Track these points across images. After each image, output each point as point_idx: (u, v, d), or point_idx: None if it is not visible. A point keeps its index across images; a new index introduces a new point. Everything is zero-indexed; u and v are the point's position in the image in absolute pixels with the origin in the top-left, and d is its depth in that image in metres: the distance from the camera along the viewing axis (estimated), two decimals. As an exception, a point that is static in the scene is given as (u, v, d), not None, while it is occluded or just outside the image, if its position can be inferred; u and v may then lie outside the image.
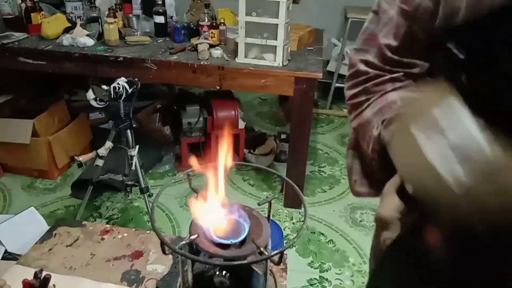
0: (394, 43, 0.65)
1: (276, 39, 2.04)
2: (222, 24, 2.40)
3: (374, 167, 0.66)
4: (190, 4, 2.77)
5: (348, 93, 0.71)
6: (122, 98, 1.78)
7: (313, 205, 2.46)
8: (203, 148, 2.72)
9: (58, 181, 2.58)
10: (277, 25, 2.00)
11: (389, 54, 0.65)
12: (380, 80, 0.66)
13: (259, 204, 0.74)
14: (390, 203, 0.55)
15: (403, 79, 0.66)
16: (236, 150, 2.80)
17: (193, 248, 0.66)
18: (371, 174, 0.69)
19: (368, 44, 0.67)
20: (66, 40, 2.25)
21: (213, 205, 0.69)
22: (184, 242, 0.64)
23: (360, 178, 0.72)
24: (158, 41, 2.44)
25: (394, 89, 0.66)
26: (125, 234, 1.05)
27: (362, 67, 0.67)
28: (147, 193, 2.04)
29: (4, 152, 2.53)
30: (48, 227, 1.10)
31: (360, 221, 2.33)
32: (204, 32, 2.39)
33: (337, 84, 3.57)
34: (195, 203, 0.68)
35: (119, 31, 2.34)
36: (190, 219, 0.70)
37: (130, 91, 1.78)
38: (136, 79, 1.82)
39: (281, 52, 2.06)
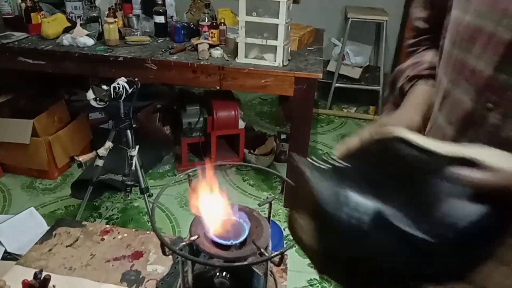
0: (430, 15, 0.76)
1: (276, 39, 2.04)
2: (222, 24, 2.40)
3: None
4: (190, 4, 2.76)
5: (407, 42, 0.85)
6: (122, 98, 1.78)
7: (313, 205, 2.45)
8: (203, 148, 2.72)
9: (58, 181, 2.58)
10: (277, 25, 2.00)
11: (421, 25, 0.78)
12: (429, 37, 0.78)
13: (259, 205, 0.74)
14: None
15: None
16: (236, 150, 2.80)
17: (193, 249, 0.66)
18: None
19: (424, 3, 0.79)
20: (66, 40, 2.25)
21: (213, 206, 0.69)
22: (184, 243, 0.64)
23: (388, 111, 0.82)
24: (158, 41, 2.44)
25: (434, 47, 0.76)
26: (125, 235, 1.05)
27: (420, 24, 0.80)
28: (147, 193, 2.04)
29: (4, 152, 2.53)
30: (48, 227, 1.09)
31: (360, 221, 2.33)
32: (204, 32, 2.39)
33: (337, 84, 3.56)
34: (194, 198, 0.68)
35: (119, 31, 2.34)
36: (190, 220, 0.69)
37: (130, 91, 1.78)
38: (136, 79, 1.82)
39: (281, 52, 2.06)
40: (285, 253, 0.74)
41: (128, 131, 1.90)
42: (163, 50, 2.26)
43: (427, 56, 0.76)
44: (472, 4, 0.54)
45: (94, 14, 2.44)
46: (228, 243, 0.65)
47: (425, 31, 0.80)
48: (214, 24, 2.37)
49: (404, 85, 0.75)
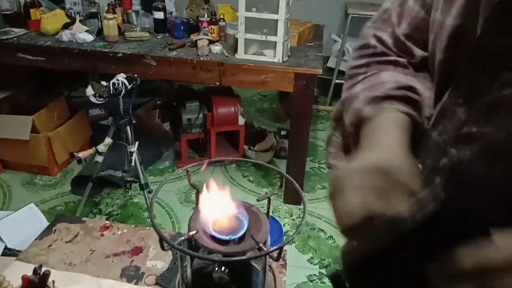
0: (406, 29, 0.63)
1: (276, 35, 2.03)
2: (221, 20, 2.39)
3: (350, 143, 0.62)
4: (190, -1, 2.76)
5: (351, 62, 0.69)
6: (122, 94, 1.78)
7: (312, 201, 2.46)
8: (203, 144, 2.72)
9: (58, 177, 2.58)
10: (277, 20, 2.00)
11: (402, 38, 0.63)
12: (385, 60, 0.64)
13: (258, 200, 0.74)
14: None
15: (407, 65, 0.65)
16: (236, 147, 2.80)
17: (192, 244, 0.66)
18: (347, 150, 0.65)
19: (385, 24, 0.66)
20: (65, 36, 2.25)
21: (213, 201, 0.69)
22: (183, 238, 0.64)
23: (336, 150, 0.69)
24: (158, 37, 2.43)
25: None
26: (125, 230, 1.05)
27: (373, 41, 0.66)
28: (147, 190, 2.04)
29: (3, 148, 2.53)
30: (48, 223, 1.10)
31: (360, 217, 2.33)
32: (204, 27, 2.39)
33: (337, 80, 3.56)
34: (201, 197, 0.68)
35: (119, 27, 2.33)
36: (190, 215, 0.70)
37: (129, 87, 1.78)
38: (135, 75, 1.81)
39: (281, 48, 2.05)
40: (285, 248, 0.74)
41: (128, 127, 1.90)
42: (162, 46, 2.25)
43: (385, 77, 0.61)
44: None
45: (93, 10, 2.43)
46: (227, 238, 0.65)
47: (382, 53, 0.65)
48: (214, 20, 2.37)
49: (365, 108, 0.57)
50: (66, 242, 1.01)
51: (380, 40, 0.65)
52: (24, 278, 0.79)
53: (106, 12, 2.29)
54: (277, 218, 2.25)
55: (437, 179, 0.48)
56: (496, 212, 0.42)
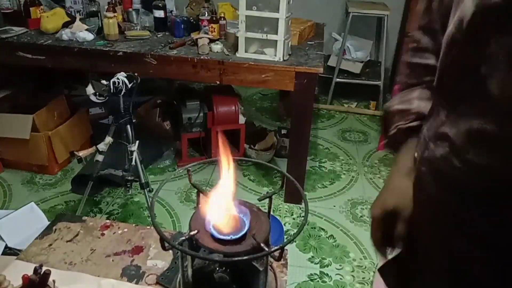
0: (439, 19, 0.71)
1: (276, 33, 2.03)
2: (222, 19, 2.39)
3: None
4: (190, -2, 2.75)
5: (405, 57, 0.82)
6: (122, 93, 1.78)
7: (313, 200, 2.46)
8: (203, 143, 2.72)
9: (58, 176, 2.58)
10: (277, 19, 1.99)
11: (436, 26, 0.72)
12: (423, 63, 0.75)
13: (259, 200, 0.74)
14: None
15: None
16: (237, 146, 2.79)
17: (193, 243, 0.66)
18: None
19: (426, 12, 0.76)
20: (65, 34, 2.24)
21: (214, 200, 0.68)
22: (183, 237, 0.63)
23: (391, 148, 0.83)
24: (158, 35, 2.43)
25: (422, 84, 0.75)
26: (125, 230, 1.05)
27: (417, 35, 0.77)
28: (147, 189, 2.04)
29: (4, 147, 2.53)
30: (48, 223, 1.09)
31: (361, 216, 2.33)
32: (204, 26, 2.38)
33: (338, 79, 3.55)
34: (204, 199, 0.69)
35: (119, 26, 2.33)
36: (191, 215, 0.69)
37: (129, 86, 1.77)
38: (135, 74, 1.81)
39: (281, 46, 2.05)
40: (285, 248, 0.74)
41: (128, 126, 1.90)
42: (162, 44, 2.25)
43: (414, 104, 0.74)
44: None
45: (94, 9, 2.43)
46: (228, 238, 0.65)
47: (423, 49, 0.76)
48: (214, 18, 2.36)
49: (398, 135, 0.76)
50: (67, 241, 1.00)
51: (424, 29, 0.75)
52: (24, 277, 0.78)
53: (106, 11, 2.28)
54: (278, 217, 2.25)
55: (423, 169, 0.62)
56: (464, 204, 0.55)
